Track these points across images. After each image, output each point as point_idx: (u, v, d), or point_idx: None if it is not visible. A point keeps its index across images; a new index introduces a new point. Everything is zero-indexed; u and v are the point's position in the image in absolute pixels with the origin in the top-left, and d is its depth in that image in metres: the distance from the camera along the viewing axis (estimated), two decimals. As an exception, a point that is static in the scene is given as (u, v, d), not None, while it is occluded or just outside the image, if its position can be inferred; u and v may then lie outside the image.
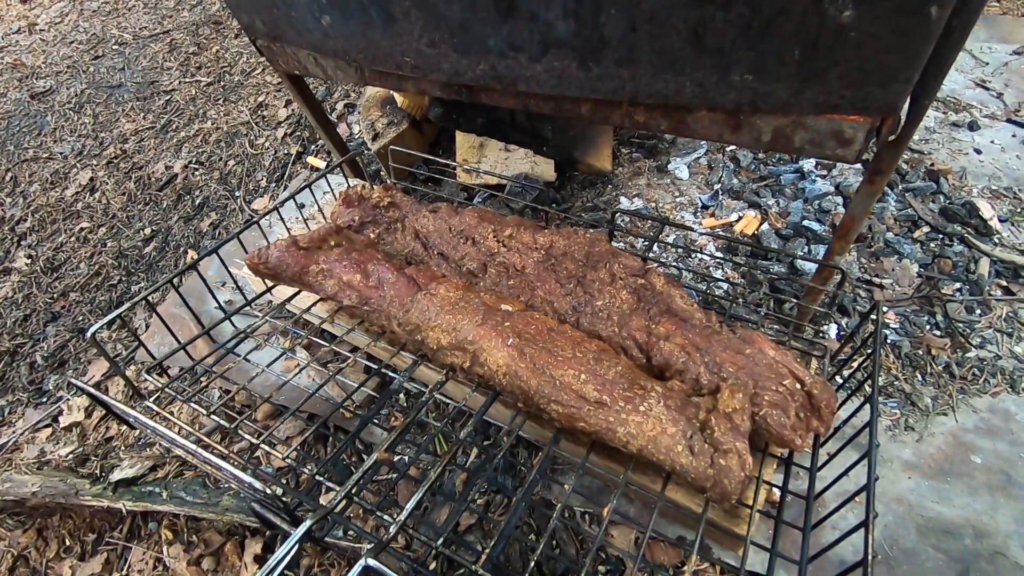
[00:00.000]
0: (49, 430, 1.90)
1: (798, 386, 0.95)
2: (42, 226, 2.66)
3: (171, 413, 1.63)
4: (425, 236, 1.32)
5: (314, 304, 1.30)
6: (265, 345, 1.21)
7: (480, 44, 0.97)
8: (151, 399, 1.15)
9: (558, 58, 0.92)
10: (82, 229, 2.59)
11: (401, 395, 1.48)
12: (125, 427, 1.79)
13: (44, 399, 2.03)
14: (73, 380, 0.94)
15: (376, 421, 1.05)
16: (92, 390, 0.94)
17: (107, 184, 2.71)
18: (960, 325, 1.34)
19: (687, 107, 0.92)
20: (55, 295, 2.39)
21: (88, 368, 2.07)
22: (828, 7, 0.71)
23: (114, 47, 3.32)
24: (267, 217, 1.90)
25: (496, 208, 1.80)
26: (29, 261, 2.54)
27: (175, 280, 1.97)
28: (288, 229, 1.48)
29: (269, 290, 1.33)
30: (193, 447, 0.75)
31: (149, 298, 1.13)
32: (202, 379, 1.18)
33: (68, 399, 1.96)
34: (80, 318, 2.28)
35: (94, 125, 2.96)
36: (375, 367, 1.15)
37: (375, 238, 1.35)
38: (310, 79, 1.45)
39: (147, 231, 2.48)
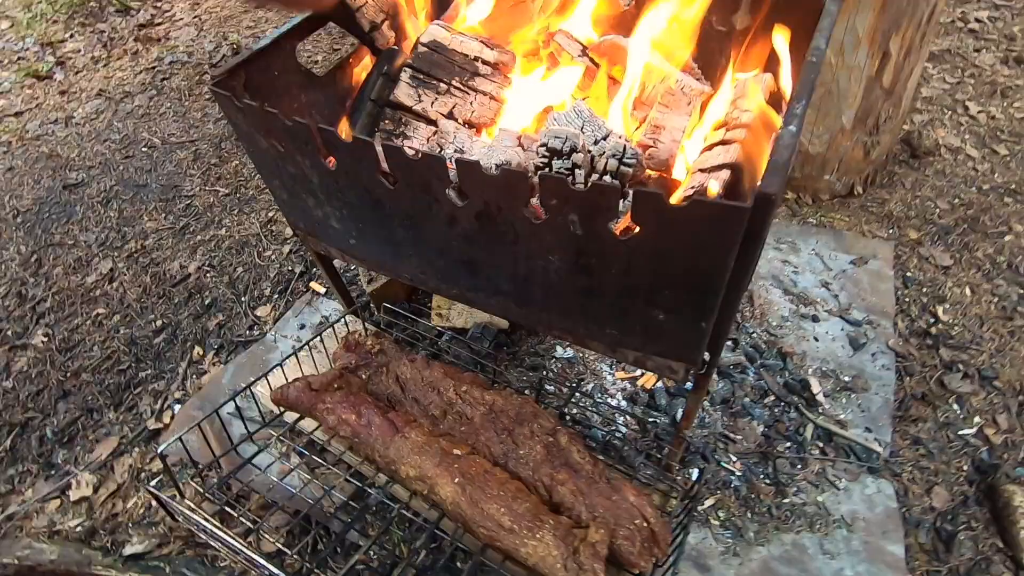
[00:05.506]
0: (58, 501, 2.21)
1: (645, 524, 1.43)
2: (61, 308, 3.02)
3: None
4: (403, 382, 1.79)
5: (317, 427, 1.74)
6: (276, 461, 1.63)
7: (455, 279, 1.50)
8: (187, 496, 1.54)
9: (503, 299, 1.45)
10: (98, 314, 2.96)
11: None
12: (130, 504, 2.11)
13: (52, 472, 2.34)
14: (151, 489, 1.34)
15: (355, 527, 1.47)
16: (162, 496, 1.34)
17: (125, 275, 3.11)
18: (784, 476, 1.87)
19: (583, 338, 1.45)
20: (68, 373, 2.72)
21: (96, 447, 2.39)
22: (652, 311, 1.26)
23: (144, 149, 3.81)
24: (273, 333, 2.36)
25: (460, 348, 2.29)
26: (46, 339, 2.88)
27: (196, 380, 2.37)
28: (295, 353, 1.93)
29: (282, 414, 1.77)
30: (247, 551, 1.17)
31: (174, 408, 1.55)
32: (229, 484, 1.59)
33: (77, 474, 2.28)
34: (90, 397, 2.62)
35: (119, 219, 3.40)
36: (359, 484, 1.58)
37: (366, 379, 1.82)
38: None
39: (158, 323, 2.87)
